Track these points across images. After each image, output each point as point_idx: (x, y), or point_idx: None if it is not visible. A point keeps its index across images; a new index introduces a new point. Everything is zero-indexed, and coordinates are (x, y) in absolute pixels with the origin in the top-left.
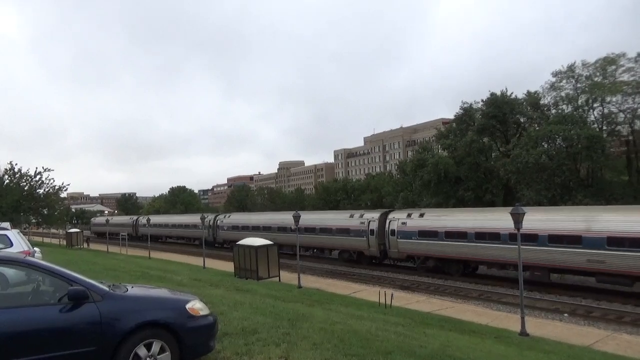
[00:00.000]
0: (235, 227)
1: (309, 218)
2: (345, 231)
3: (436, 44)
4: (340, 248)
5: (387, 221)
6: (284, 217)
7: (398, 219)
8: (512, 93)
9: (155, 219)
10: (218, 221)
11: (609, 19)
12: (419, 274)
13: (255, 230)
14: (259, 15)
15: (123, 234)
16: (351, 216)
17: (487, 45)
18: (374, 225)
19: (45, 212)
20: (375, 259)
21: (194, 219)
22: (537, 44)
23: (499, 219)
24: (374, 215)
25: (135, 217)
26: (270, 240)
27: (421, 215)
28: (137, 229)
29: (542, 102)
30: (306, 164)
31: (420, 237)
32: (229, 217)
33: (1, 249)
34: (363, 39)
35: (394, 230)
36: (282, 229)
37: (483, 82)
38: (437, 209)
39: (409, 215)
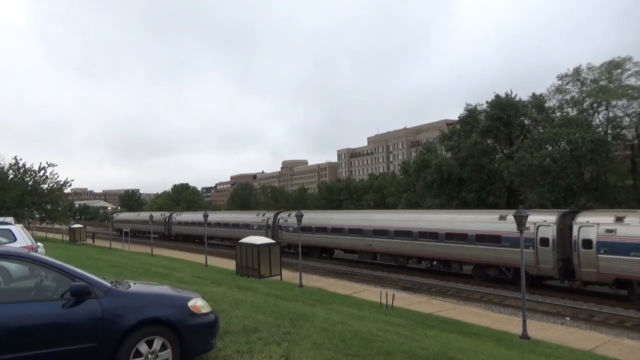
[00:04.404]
0: (306, 229)
1: (424, 219)
2: (492, 239)
3: (458, 41)
4: (480, 261)
5: (576, 227)
6: (382, 217)
7: (598, 224)
8: (516, 95)
9: (193, 216)
10: (280, 220)
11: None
12: (420, 275)
13: (337, 232)
14: (277, 9)
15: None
16: (502, 218)
17: (511, 41)
18: (549, 232)
19: (49, 207)
20: (538, 279)
21: (246, 217)
22: (561, 41)
23: None
24: (547, 218)
25: (167, 214)
26: (364, 247)
27: None
28: (170, 228)
29: (547, 104)
30: (311, 163)
31: None
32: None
33: (5, 243)
34: (382, 35)
35: (591, 240)
36: (381, 233)
37: (504, 80)
38: None
39: (618, 220)
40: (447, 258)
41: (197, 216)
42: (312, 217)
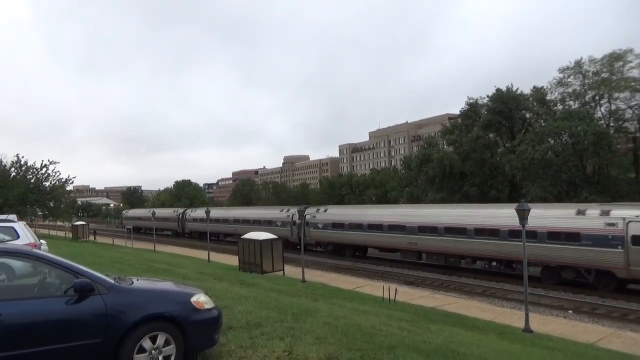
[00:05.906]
0: (338, 225)
1: (480, 214)
2: (569, 237)
3: (463, 35)
4: (552, 262)
5: None
6: (429, 212)
7: None
8: (517, 89)
9: (212, 212)
10: (307, 216)
11: None
12: (423, 269)
13: (375, 229)
14: (280, 3)
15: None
16: (580, 212)
17: (516, 36)
18: None
19: (52, 204)
20: (623, 283)
21: (268, 213)
22: (566, 35)
23: None
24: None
25: (181, 210)
26: (407, 245)
27: None
28: (185, 224)
29: (548, 97)
30: (312, 159)
31: None
32: (324, 211)
33: (8, 241)
34: (386, 30)
35: None
36: (428, 229)
37: (510, 74)
38: None
39: None
40: (510, 258)
41: (214, 212)
42: (345, 213)
